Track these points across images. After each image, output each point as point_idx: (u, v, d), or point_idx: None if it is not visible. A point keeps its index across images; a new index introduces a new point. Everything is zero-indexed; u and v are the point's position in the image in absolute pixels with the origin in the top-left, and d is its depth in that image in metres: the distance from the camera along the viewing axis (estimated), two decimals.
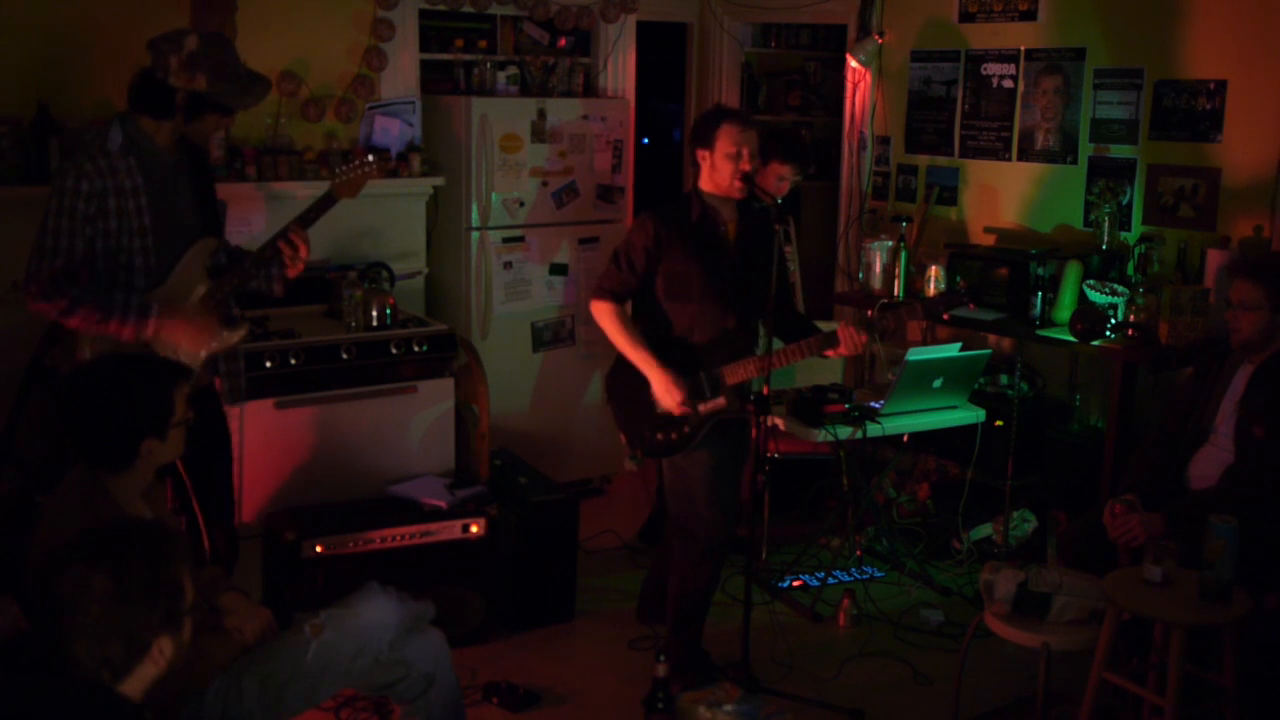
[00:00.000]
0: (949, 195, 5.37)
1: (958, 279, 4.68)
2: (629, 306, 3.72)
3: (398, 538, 3.91)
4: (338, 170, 3.41)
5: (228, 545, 3.46)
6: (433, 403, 4.37)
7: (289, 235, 3.32)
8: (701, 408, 3.59)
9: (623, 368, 3.75)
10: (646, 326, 3.67)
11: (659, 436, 3.65)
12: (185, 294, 3.24)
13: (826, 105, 6.95)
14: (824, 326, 3.77)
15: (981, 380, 4.67)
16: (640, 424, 3.68)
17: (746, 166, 3.60)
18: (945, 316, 4.41)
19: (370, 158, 3.42)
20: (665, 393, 3.59)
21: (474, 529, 4.00)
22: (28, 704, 1.92)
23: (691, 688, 3.52)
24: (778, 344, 3.65)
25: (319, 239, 4.78)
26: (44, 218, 3.10)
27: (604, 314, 3.68)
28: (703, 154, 3.67)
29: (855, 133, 5.77)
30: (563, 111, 5.22)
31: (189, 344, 3.20)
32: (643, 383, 3.64)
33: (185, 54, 3.14)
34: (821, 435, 4.18)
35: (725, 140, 3.60)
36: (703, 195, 3.70)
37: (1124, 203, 4.66)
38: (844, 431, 4.20)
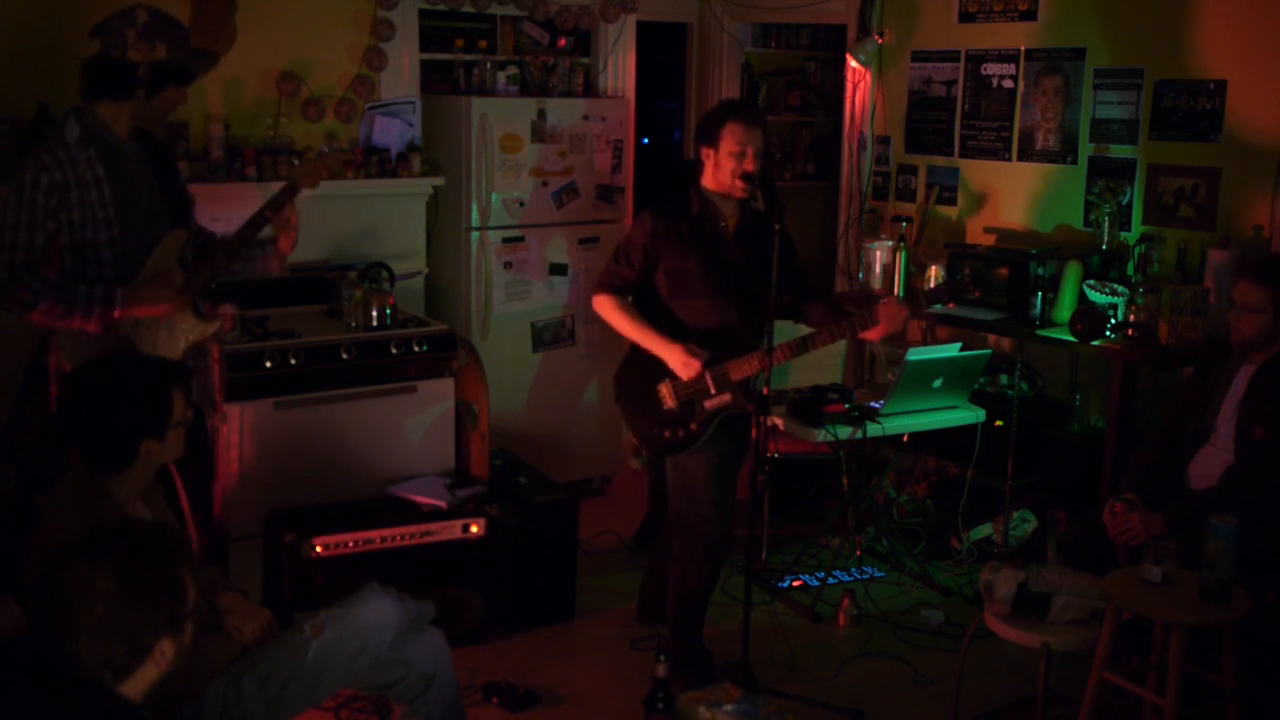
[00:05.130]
0: (949, 195, 5.37)
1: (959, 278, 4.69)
2: (631, 301, 3.73)
3: (398, 538, 3.91)
4: (296, 161, 3.39)
5: (212, 546, 3.46)
6: (433, 403, 4.36)
7: (277, 203, 3.28)
8: (708, 404, 3.59)
9: (630, 367, 3.75)
10: (651, 324, 3.67)
11: (666, 434, 3.65)
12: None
13: (826, 105, 6.94)
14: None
15: (981, 380, 4.67)
16: (649, 422, 3.68)
17: (750, 166, 3.60)
18: (950, 305, 4.40)
19: (325, 148, 3.40)
20: (684, 365, 3.56)
21: (474, 529, 4.00)
22: (28, 704, 1.92)
23: (691, 688, 3.52)
24: (799, 331, 3.65)
25: (319, 239, 4.80)
26: (2, 214, 3.04)
27: (605, 305, 3.69)
28: (707, 151, 3.66)
29: (855, 133, 5.77)
30: (563, 111, 5.22)
31: (156, 313, 3.16)
32: (650, 380, 3.64)
33: (141, 26, 3.08)
34: (821, 435, 4.18)
35: (730, 139, 3.59)
36: (704, 191, 3.70)
37: (1124, 203, 4.66)
38: (844, 431, 4.20)
